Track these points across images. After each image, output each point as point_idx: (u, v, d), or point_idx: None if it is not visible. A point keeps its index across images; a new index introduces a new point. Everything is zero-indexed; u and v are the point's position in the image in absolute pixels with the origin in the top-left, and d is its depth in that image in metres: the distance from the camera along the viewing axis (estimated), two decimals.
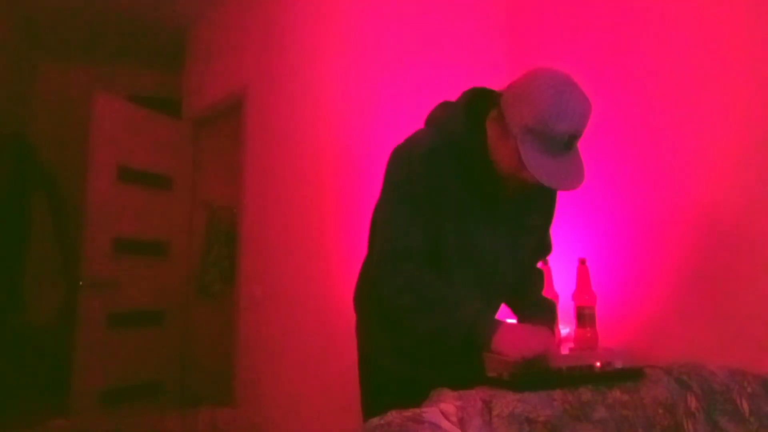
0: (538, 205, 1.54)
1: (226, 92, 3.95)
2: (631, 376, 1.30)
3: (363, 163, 2.69)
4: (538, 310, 1.56)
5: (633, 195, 2.00)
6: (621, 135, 2.05)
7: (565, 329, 2.03)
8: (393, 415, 1.02)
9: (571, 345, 1.95)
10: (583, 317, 1.90)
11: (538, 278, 1.68)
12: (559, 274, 2.06)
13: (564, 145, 1.22)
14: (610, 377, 1.28)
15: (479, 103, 1.41)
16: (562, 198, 1.64)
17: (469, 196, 1.39)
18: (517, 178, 1.32)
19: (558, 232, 1.70)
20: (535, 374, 1.23)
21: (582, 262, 1.93)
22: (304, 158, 3.17)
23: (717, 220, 1.75)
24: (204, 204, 4.42)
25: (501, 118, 1.29)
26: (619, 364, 1.36)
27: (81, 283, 3.49)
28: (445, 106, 1.48)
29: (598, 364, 1.37)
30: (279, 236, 3.32)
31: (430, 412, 1.03)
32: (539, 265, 1.74)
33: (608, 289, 1.98)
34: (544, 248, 1.66)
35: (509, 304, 1.64)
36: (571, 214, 2.08)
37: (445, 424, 1.01)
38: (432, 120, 1.48)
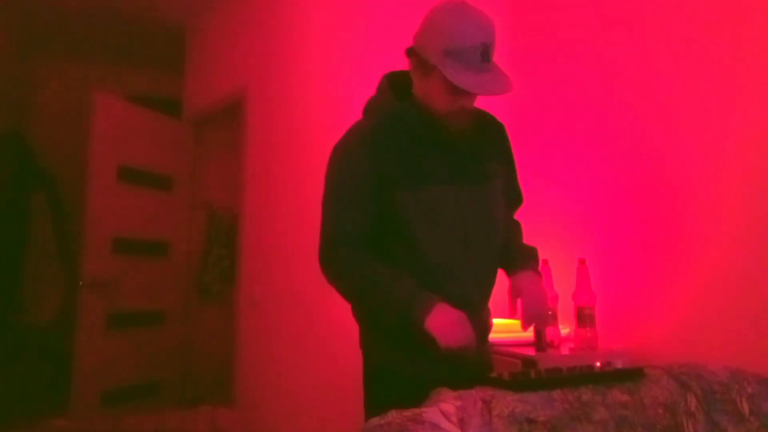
0: (492, 150, 1.55)
1: (226, 92, 3.95)
2: (631, 376, 1.30)
3: None
4: (521, 258, 1.53)
5: (633, 195, 2.00)
6: (620, 136, 2.05)
7: (565, 329, 2.03)
8: (393, 415, 1.02)
9: (571, 345, 1.96)
10: (583, 317, 1.90)
11: (516, 228, 1.65)
12: (559, 274, 2.06)
13: (481, 56, 1.29)
14: (610, 377, 1.28)
15: (399, 80, 1.50)
16: (562, 197, 1.64)
17: (422, 161, 1.42)
18: (454, 111, 1.38)
19: (558, 232, 1.70)
20: (535, 374, 1.23)
21: (582, 262, 1.93)
22: (305, 158, 3.17)
23: (717, 220, 1.76)
24: (204, 204, 4.42)
25: (420, 62, 1.37)
26: (619, 364, 1.36)
27: (81, 283, 3.49)
28: (373, 96, 1.58)
29: (598, 364, 1.37)
30: (279, 236, 3.32)
31: (430, 412, 1.03)
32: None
33: (608, 289, 1.98)
34: (514, 197, 1.64)
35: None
36: (571, 214, 2.08)
37: (445, 424, 1.01)
38: (365, 110, 1.57)
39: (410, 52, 1.40)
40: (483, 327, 1.51)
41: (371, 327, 1.52)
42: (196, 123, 4.38)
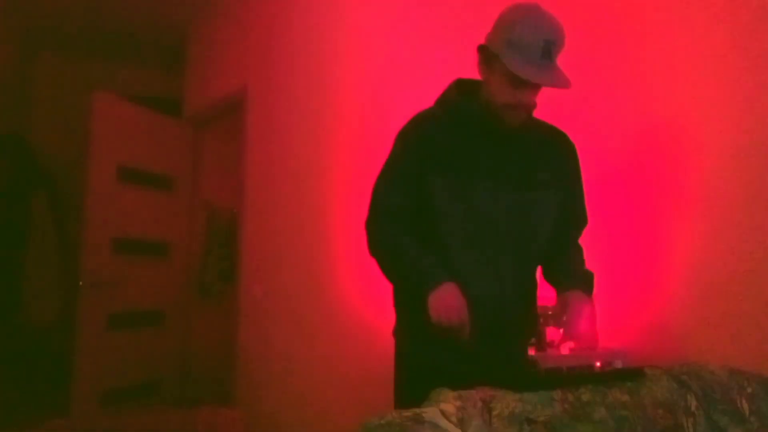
0: (551, 163, 1.54)
1: (226, 92, 3.95)
2: (631, 376, 1.30)
3: (363, 161, 2.69)
4: (573, 280, 1.50)
5: (632, 195, 2.00)
6: (620, 135, 2.05)
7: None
8: (393, 415, 1.02)
9: (571, 345, 1.96)
10: None
11: (576, 251, 1.63)
12: None
13: (542, 52, 1.33)
14: (610, 377, 1.28)
15: (468, 83, 1.56)
16: None
17: (468, 155, 1.47)
18: (513, 104, 1.40)
19: None
20: (536, 374, 1.23)
21: None
22: (304, 158, 3.17)
23: (717, 220, 1.76)
24: (204, 204, 4.42)
25: (486, 54, 1.43)
26: (619, 364, 1.36)
27: (81, 283, 3.49)
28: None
29: (598, 364, 1.37)
30: (279, 236, 3.32)
31: (430, 412, 1.03)
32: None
33: (608, 289, 1.98)
34: (575, 217, 1.63)
35: (546, 277, 1.61)
36: None
37: (445, 424, 1.01)
38: (435, 103, 1.62)
39: (480, 48, 1.45)
40: (512, 329, 1.52)
41: (404, 317, 1.59)
42: (196, 123, 4.38)
